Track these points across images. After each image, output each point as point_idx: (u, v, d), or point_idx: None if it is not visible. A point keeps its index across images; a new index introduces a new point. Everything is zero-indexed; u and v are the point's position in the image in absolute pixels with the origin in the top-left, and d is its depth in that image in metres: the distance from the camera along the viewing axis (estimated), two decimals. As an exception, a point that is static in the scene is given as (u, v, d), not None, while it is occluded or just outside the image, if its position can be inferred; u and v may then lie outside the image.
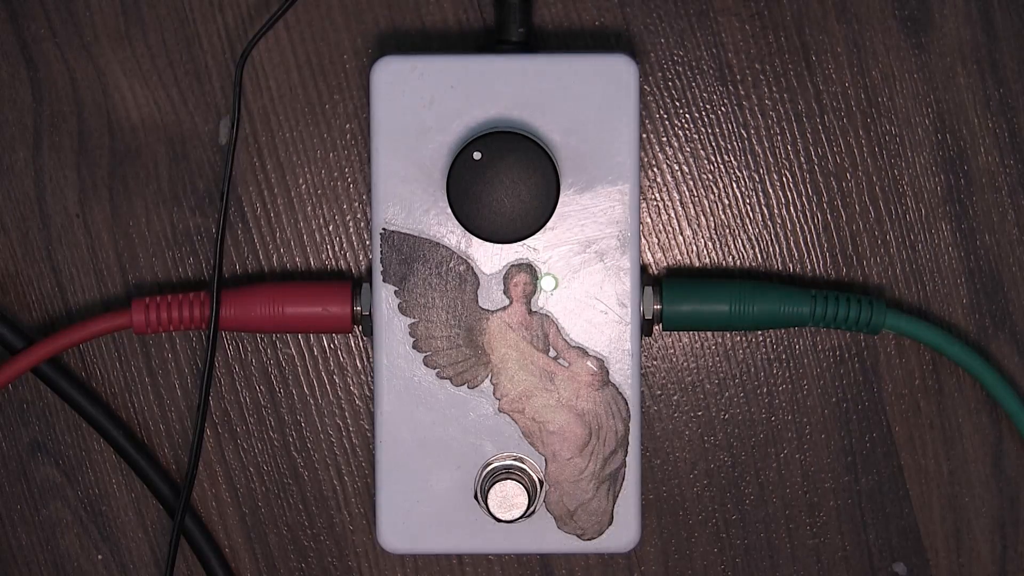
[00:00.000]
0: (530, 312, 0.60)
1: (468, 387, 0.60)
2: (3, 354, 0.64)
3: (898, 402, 0.65)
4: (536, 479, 0.60)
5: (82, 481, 0.65)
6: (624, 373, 0.60)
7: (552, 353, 0.60)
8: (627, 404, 0.60)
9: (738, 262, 0.64)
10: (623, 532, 0.61)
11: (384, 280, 0.60)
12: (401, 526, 0.60)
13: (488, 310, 0.60)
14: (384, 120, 0.59)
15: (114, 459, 0.65)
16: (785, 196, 0.64)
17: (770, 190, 0.64)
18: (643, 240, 0.64)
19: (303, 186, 0.64)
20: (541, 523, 0.60)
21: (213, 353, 0.61)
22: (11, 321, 0.63)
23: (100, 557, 0.65)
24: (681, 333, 0.64)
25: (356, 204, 0.64)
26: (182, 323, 0.61)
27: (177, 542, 0.63)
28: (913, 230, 0.64)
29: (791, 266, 0.64)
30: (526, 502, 0.59)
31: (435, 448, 0.60)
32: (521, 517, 0.59)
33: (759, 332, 0.64)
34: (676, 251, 0.64)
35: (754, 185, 0.64)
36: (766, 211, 0.64)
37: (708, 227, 0.64)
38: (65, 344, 0.62)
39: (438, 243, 0.60)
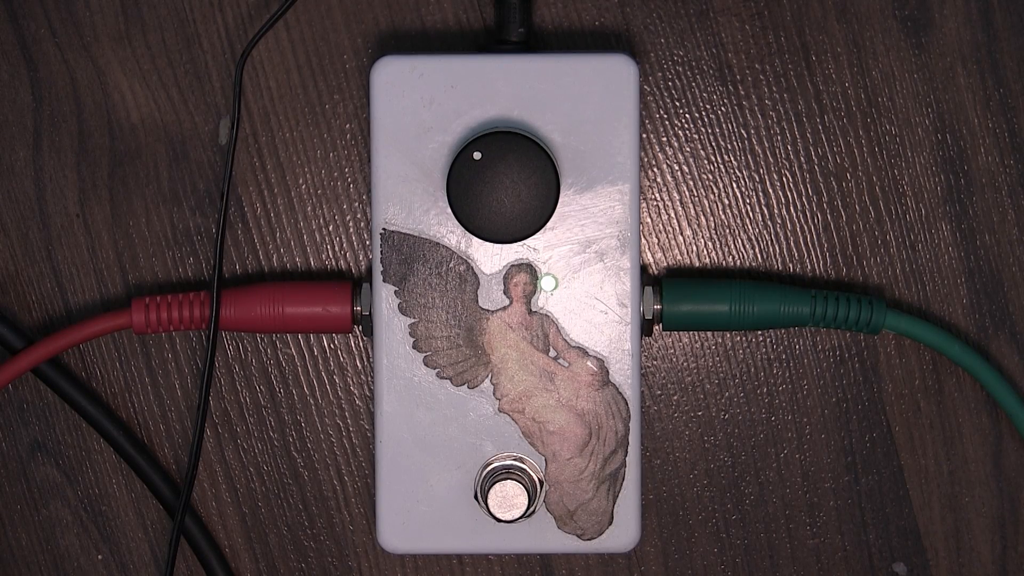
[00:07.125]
0: (530, 312, 0.60)
1: (468, 387, 0.60)
2: (3, 354, 0.64)
3: (898, 402, 0.65)
4: (536, 479, 0.60)
5: (82, 481, 0.65)
6: (624, 373, 0.60)
7: (552, 353, 0.60)
8: (627, 404, 0.60)
9: (738, 262, 0.64)
10: (623, 532, 0.61)
11: (384, 280, 0.60)
12: (401, 526, 0.60)
13: (488, 310, 0.60)
14: (384, 120, 0.59)
15: (114, 459, 0.65)
16: (785, 196, 0.64)
17: (770, 190, 0.64)
18: (643, 240, 0.64)
19: (303, 186, 0.64)
20: (541, 523, 0.60)
21: (213, 353, 0.61)
22: (11, 321, 0.63)
23: (100, 557, 0.65)
24: (681, 333, 0.64)
25: (356, 204, 0.64)
26: (182, 323, 0.61)
27: (177, 542, 0.63)
28: (913, 230, 0.64)
29: (791, 266, 0.64)
30: (526, 502, 0.59)
31: (435, 448, 0.60)
32: (521, 517, 0.59)
33: (759, 332, 0.64)
34: (676, 251, 0.64)
35: (754, 185, 0.64)
36: (766, 211, 0.64)
37: (708, 227, 0.64)
38: (65, 344, 0.62)
39: (438, 243, 0.60)
